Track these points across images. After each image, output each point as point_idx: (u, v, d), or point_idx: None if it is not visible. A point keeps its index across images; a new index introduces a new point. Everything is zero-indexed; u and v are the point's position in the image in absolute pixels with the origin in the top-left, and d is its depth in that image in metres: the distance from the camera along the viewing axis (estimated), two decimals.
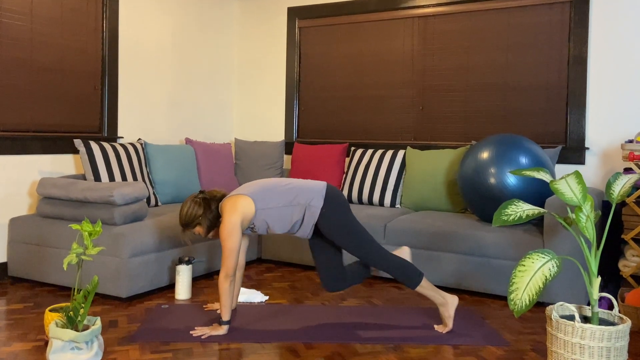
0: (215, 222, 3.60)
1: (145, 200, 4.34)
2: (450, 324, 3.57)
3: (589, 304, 4.09)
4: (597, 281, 2.81)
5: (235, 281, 3.82)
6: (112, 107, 5.33)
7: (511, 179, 4.31)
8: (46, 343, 3.26)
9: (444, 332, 3.56)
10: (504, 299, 4.36)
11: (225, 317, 3.45)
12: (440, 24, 5.69)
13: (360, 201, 5.51)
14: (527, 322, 3.83)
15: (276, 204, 3.50)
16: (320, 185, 3.57)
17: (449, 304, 3.59)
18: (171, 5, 5.96)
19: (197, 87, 6.34)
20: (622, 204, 4.42)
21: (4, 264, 4.56)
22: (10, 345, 3.23)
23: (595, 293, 2.80)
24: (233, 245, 3.40)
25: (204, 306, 3.99)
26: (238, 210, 3.44)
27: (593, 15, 5.00)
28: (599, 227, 4.53)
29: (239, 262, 3.83)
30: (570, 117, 5.06)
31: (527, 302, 2.68)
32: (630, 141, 4.34)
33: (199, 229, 3.62)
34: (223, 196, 3.66)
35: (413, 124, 5.84)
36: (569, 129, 5.07)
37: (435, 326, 3.62)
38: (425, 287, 3.57)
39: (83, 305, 2.98)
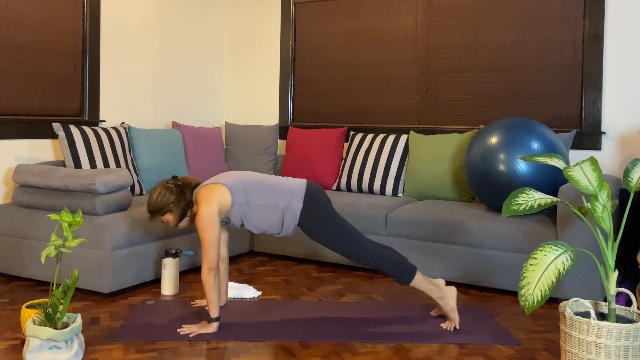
0: (186, 211, 3.61)
1: (129, 188, 4.33)
2: (455, 317, 3.58)
3: (605, 300, 4.09)
4: (614, 275, 2.80)
5: (220, 275, 3.83)
6: (93, 89, 5.30)
7: (522, 166, 4.30)
8: (23, 342, 3.25)
9: (451, 328, 3.56)
10: (514, 294, 4.36)
11: (214, 313, 3.44)
12: None
13: (360, 189, 5.50)
14: (539, 319, 3.82)
15: (254, 201, 3.53)
16: (299, 186, 3.59)
17: (447, 296, 3.59)
18: None
19: (184, 67, 6.31)
20: None
21: None
22: None
23: (612, 288, 2.79)
24: (212, 237, 3.40)
25: (192, 302, 3.98)
26: (215, 199, 3.45)
27: None
28: (616, 217, 4.52)
29: (221, 254, 3.84)
30: (585, 99, 5.04)
31: (539, 298, 2.68)
32: None
33: (168, 217, 3.61)
34: (197, 184, 3.67)
35: (416, 106, 5.82)
36: (583, 112, 5.05)
37: (442, 324, 3.62)
38: (420, 281, 3.57)
39: (62, 301, 2.97)
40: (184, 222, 3.66)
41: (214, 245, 3.40)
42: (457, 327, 3.57)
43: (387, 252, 3.58)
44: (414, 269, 3.56)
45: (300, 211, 3.53)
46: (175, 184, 3.61)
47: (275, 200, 3.53)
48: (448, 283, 4.57)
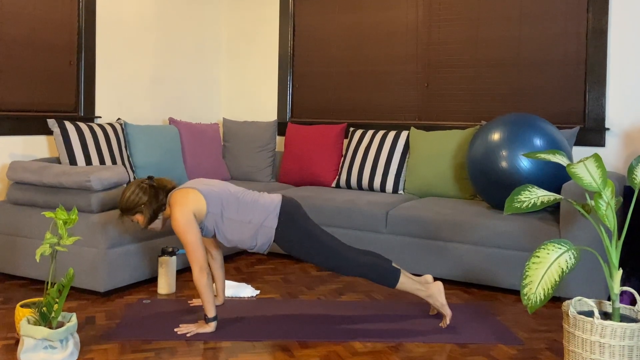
0: (157, 213, 3.61)
1: (125, 185, 4.31)
2: (447, 312, 3.59)
3: (609, 299, 4.09)
4: (619, 274, 2.79)
5: (214, 274, 3.88)
6: (88, 84, 5.29)
7: (524, 163, 4.29)
8: (17, 342, 3.24)
9: (445, 324, 3.57)
10: (516, 293, 4.35)
11: (211, 313, 3.44)
12: None
13: (359, 187, 5.50)
14: (541, 318, 3.82)
15: (229, 215, 3.53)
16: (274, 202, 3.59)
17: (434, 293, 3.61)
18: None
19: (181, 62, 6.30)
20: None
21: None
22: None
23: (617, 287, 2.79)
24: (193, 237, 3.41)
25: (189, 301, 3.98)
26: (189, 203, 3.45)
27: None
28: (621, 214, 4.52)
29: (213, 254, 3.87)
30: (589, 94, 5.03)
31: (542, 297, 2.68)
32: None
33: (138, 217, 3.62)
34: (173, 187, 3.67)
35: (417, 102, 5.81)
36: (587, 108, 5.05)
37: (440, 324, 3.62)
38: (406, 283, 3.58)
39: (57, 300, 2.96)
40: (155, 225, 3.66)
41: (198, 245, 3.41)
42: (448, 322, 3.58)
43: (370, 259, 3.58)
44: (397, 271, 3.57)
45: (275, 229, 3.53)
46: (150, 185, 3.60)
47: (250, 216, 3.53)
48: (449, 281, 4.57)
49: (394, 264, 3.63)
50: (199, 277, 3.40)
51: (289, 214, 3.56)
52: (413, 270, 4.59)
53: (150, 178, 3.64)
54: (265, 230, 3.53)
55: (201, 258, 3.40)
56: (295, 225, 3.55)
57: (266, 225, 3.52)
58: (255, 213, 3.54)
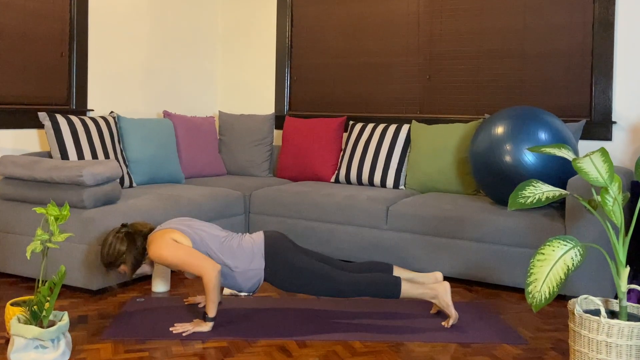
0: (140, 260, 3.62)
1: (118, 180, 4.31)
2: (452, 312, 3.58)
3: (616, 297, 4.09)
4: (626, 271, 2.79)
5: None
6: (81, 77, 5.28)
7: (529, 157, 4.29)
8: (7, 341, 3.24)
9: (449, 324, 3.56)
10: (520, 291, 4.35)
11: (212, 313, 3.43)
12: None
13: (359, 182, 5.49)
14: (546, 317, 3.82)
15: (216, 259, 3.52)
16: (257, 243, 3.59)
17: (440, 294, 3.59)
18: None
19: (176, 54, 6.29)
20: None
21: None
22: None
23: (624, 285, 2.78)
24: (185, 249, 3.43)
25: (185, 300, 3.97)
26: (167, 238, 3.46)
27: None
28: (628, 210, 4.52)
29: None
30: (596, 87, 5.03)
31: (547, 295, 2.68)
32: None
33: (124, 268, 3.64)
34: (151, 230, 3.68)
35: (419, 95, 5.80)
36: (593, 101, 5.04)
37: (443, 322, 3.62)
38: (409, 290, 3.57)
39: (48, 298, 2.96)
40: (143, 269, 3.68)
41: (194, 253, 3.42)
42: (454, 323, 3.58)
43: (367, 276, 3.58)
44: (398, 280, 3.56)
45: (264, 269, 3.54)
46: (126, 232, 3.61)
47: (235, 262, 3.53)
48: (452, 279, 4.57)
49: (394, 273, 3.64)
50: (211, 276, 3.37)
51: (275, 252, 3.57)
52: (414, 268, 4.59)
53: (124, 225, 3.66)
54: (252, 272, 3.54)
55: (204, 258, 3.40)
56: (282, 261, 3.55)
57: (253, 268, 3.53)
58: (240, 258, 3.54)
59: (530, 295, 2.70)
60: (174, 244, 3.43)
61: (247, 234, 3.70)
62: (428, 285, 3.61)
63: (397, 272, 3.78)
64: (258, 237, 3.63)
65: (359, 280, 3.55)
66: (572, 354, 2.83)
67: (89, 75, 5.38)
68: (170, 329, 3.43)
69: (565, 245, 2.76)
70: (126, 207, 4.24)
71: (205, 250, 3.51)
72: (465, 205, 4.60)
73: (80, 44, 5.26)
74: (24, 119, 4.87)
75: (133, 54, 5.81)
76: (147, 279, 4.40)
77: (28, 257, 3.00)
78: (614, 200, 2.82)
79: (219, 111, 6.27)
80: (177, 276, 4.51)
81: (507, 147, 4.35)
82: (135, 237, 3.60)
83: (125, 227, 3.64)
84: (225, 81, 6.84)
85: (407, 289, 3.55)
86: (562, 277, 2.68)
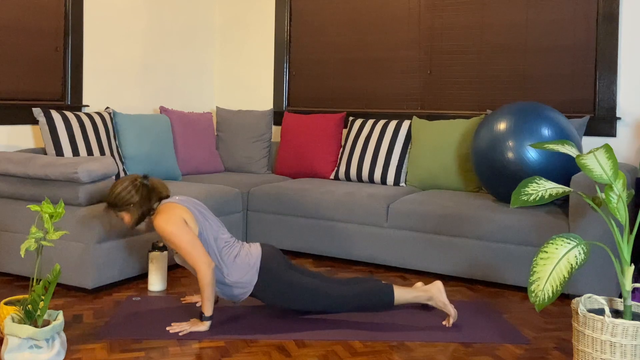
0: (145, 217, 3.59)
1: (114, 177, 4.31)
2: (450, 310, 3.58)
3: (620, 296, 4.09)
4: (630, 270, 2.79)
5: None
6: (76, 72, 5.28)
7: (532, 154, 4.28)
8: (1, 341, 3.23)
9: (450, 323, 3.56)
10: (523, 290, 4.35)
11: (208, 312, 3.43)
12: None
13: (359, 179, 5.49)
14: (550, 316, 3.82)
15: (213, 258, 3.51)
16: (254, 257, 3.58)
17: (434, 294, 3.59)
18: None
19: (173, 49, 6.28)
20: None
21: None
22: None
23: (628, 283, 2.78)
24: (190, 236, 3.40)
25: (181, 299, 3.97)
26: (177, 214, 3.43)
27: None
28: (633, 208, 4.52)
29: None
30: (600, 82, 5.02)
31: (550, 294, 2.68)
32: None
33: (124, 216, 3.59)
34: (167, 197, 3.64)
35: (420, 90, 5.80)
36: (597, 96, 5.04)
37: (443, 322, 3.62)
38: (402, 295, 3.57)
39: (43, 297, 2.96)
40: (140, 226, 3.67)
41: (196, 242, 3.40)
42: (453, 322, 3.58)
43: (358, 287, 3.59)
44: (389, 287, 3.56)
45: (254, 285, 3.54)
46: (144, 184, 3.57)
47: (227, 270, 3.52)
48: (453, 278, 4.56)
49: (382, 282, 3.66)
50: (206, 273, 3.36)
51: (269, 269, 3.56)
52: (415, 266, 4.59)
53: (145, 177, 3.61)
54: (242, 285, 3.54)
55: (204, 254, 3.38)
56: (275, 278, 3.55)
57: (244, 282, 3.53)
58: (236, 269, 3.52)
59: (533, 294, 2.70)
60: (182, 225, 3.39)
61: (247, 244, 3.67)
62: (421, 288, 3.61)
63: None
64: (256, 250, 3.62)
65: (350, 292, 3.56)
66: (575, 354, 2.83)
67: (84, 70, 5.37)
68: (167, 328, 3.43)
69: (569, 243, 2.76)
70: None
71: (206, 246, 3.50)
72: (467, 202, 4.59)
73: (75, 38, 5.26)
74: (18, 114, 4.86)
75: (129, 49, 5.80)
76: (144, 277, 4.40)
77: (22, 255, 3.00)
78: (618, 198, 2.82)
79: (217, 107, 6.26)
80: (174, 275, 4.51)
81: (510, 144, 4.35)
82: (151, 195, 3.56)
83: (146, 180, 3.59)
84: (223, 76, 6.84)
85: (400, 295, 3.56)
86: (566, 275, 2.68)
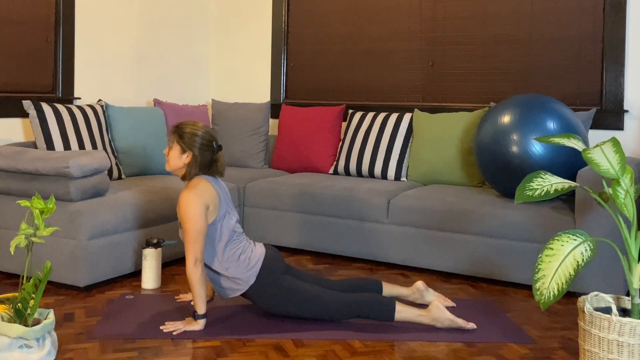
0: (187, 168, 3.53)
1: (106, 172, 4.30)
2: (459, 322, 3.50)
3: (628, 294, 4.09)
4: (638, 267, 2.79)
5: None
6: (67, 63, 5.27)
7: (537, 147, 4.28)
8: None
9: (469, 326, 3.50)
10: (528, 288, 4.35)
11: (201, 309, 3.43)
12: None
13: (359, 173, 5.48)
14: (555, 315, 3.83)
15: (218, 250, 3.51)
16: (257, 257, 3.56)
17: (437, 315, 3.51)
18: None
19: (167, 39, 6.27)
20: None
21: None
22: None
23: (636, 281, 2.78)
24: (200, 227, 3.39)
25: (176, 297, 3.98)
26: (206, 197, 3.44)
27: None
28: None
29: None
30: (606, 74, 5.02)
31: (556, 293, 2.68)
32: None
33: (175, 151, 3.54)
34: (211, 174, 3.60)
35: (421, 82, 5.79)
36: (604, 89, 5.03)
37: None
38: (404, 311, 3.52)
39: (33, 295, 2.96)
40: (176, 167, 3.56)
41: (201, 236, 3.39)
42: (469, 327, 3.52)
43: (358, 296, 3.58)
44: (392, 300, 3.54)
45: (250, 285, 3.53)
46: (214, 151, 3.56)
47: (227, 264, 3.52)
48: (456, 275, 4.56)
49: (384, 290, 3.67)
50: (193, 269, 3.37)
51: (269, 272, 3.56)
52: (416, 263, 4.59)
53: (220, 148, 3.60)
54: (238, 282, 3.53)
55: (199, 250, 3.38)
56: (272, 282, 3.55)
57: (241, 279, 3.52)
58: (237, 265, 3.52)
59: (538, 292, 2.70)
60: (201, 213, 3.39)
61: (252, 242, 3.67)
62: (422, 310, 3.53)
63: (385, 288, 3.82)
64: (259, 251, 3.61)
65: (350, 299, 3.55)
66: (581, 354, 2.83)
67: (76, 62, 5.36)
68: (161, 327, 3.43)
69: (575, 239, 2.76)
70: (115, 199, 4.23)
71: (217, 234, 3.49)
72: (470, 197, 4.59)
73: (66, 28, 5.25)
74: (7, 107, 4.85)
75: (122, 40, 5.79)
76: (138, 275, 4.39)
77: (12, 252, 2.99)
78: (625, 193, 2.81)
79: (212, 99, 6.25)
80: (168, 272, 4.50)
81: (514, 137, 4.34)
82: (211, 164, 3.57)
83: (219, 150, 3.59)
84: (219, 68, 6.83)
85: (402, 310, 3.50)
86: (572, 273, 2.68)
